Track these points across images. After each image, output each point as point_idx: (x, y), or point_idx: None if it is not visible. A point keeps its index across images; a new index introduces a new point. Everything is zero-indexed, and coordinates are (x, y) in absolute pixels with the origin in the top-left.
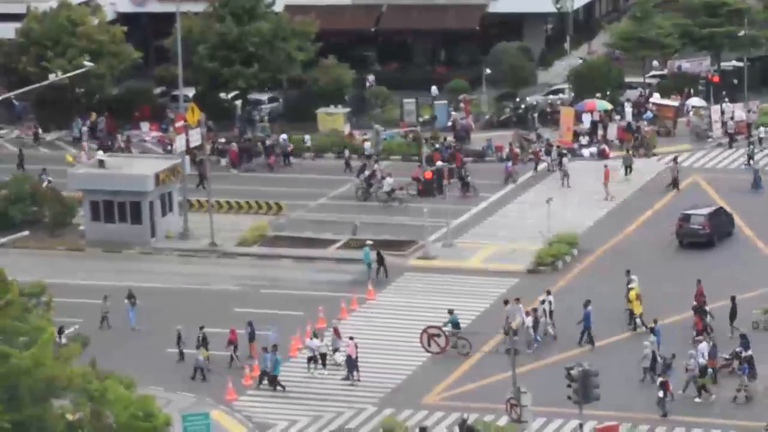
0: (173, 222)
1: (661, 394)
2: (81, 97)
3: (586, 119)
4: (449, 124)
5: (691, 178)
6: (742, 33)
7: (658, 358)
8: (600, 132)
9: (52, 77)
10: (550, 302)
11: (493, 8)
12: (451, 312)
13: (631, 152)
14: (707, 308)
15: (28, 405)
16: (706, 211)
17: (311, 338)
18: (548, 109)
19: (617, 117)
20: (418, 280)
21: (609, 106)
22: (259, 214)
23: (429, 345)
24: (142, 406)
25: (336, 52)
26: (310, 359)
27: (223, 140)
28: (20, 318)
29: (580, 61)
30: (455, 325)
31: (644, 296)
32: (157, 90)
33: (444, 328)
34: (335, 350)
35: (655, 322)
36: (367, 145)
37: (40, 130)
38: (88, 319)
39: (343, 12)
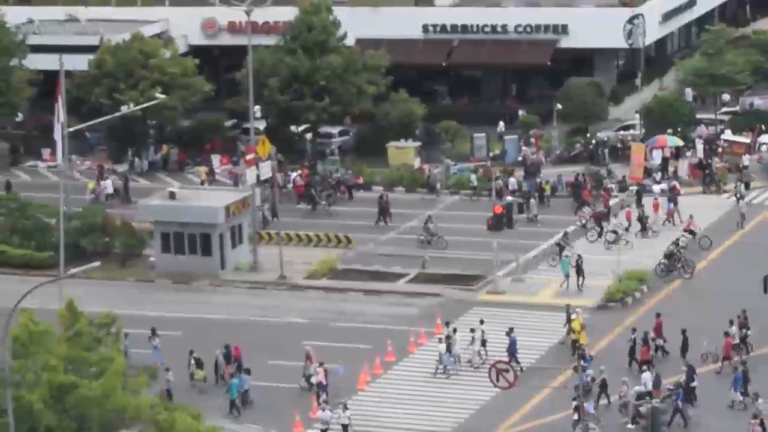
0: (243, 254)
1: (576, 417)
2: (152, 128)
3: (657, 155)
4: (519, 158)
5: (761, 215)
6: None
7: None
8: (671, 168)
9: (124, 109)
10: (482, 331)
11: (564, 43)
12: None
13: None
14: (662, 342)
15: None
16: None
17: (322, 410)
18: (619, 145)
19: (688, 153)
20: (487, 315)
21: (680, 143)
22: (328, 247)
23: (497, 380)
24: None
25: (407, 86)
26: None
27: (295, 173)
28: (90, 348)
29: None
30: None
31: (713, 332)
32: (228, 123)
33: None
34: (308, 377)
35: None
36: (514, 180)
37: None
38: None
39: (415, 46)
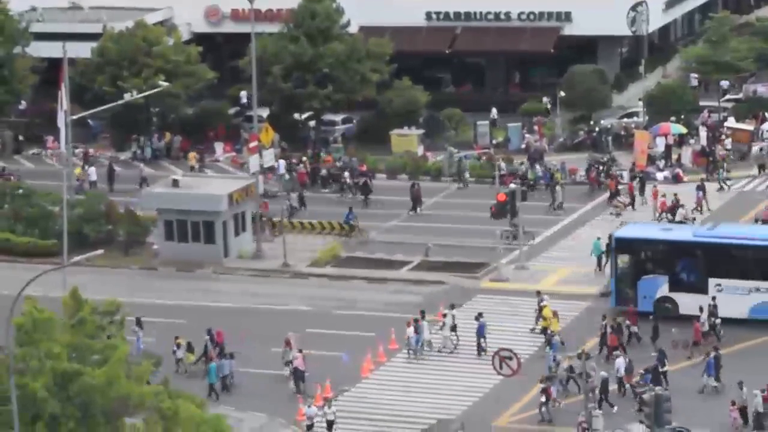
0: (246, 242)
1: (543, 399)
2: (155, 116)
3: (661, 143)
4: (523, 146)
5: (766, 202)
6: None
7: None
8: (674, 156)
9: (127, 97)
10: (453, 316)
11: (567, 31)
12: None
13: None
14: (636, 329)
15: (101, 423)
16: None
17: (308, 406)
18: (623, 132)
19: (692, 141)
20: (490, 303)
21: (684, 130)
22: (332, 234)
23: (501, 368)
24: (213, 426)
25: (410, 74)
26: (309, 428)
27: (283, 161)
28: (94, 336)
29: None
30: None
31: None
32: (232, 110)
33: None
34: (286, 363)
35: (552, 335)
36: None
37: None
38: (159, 338)
39: (418, 34)
